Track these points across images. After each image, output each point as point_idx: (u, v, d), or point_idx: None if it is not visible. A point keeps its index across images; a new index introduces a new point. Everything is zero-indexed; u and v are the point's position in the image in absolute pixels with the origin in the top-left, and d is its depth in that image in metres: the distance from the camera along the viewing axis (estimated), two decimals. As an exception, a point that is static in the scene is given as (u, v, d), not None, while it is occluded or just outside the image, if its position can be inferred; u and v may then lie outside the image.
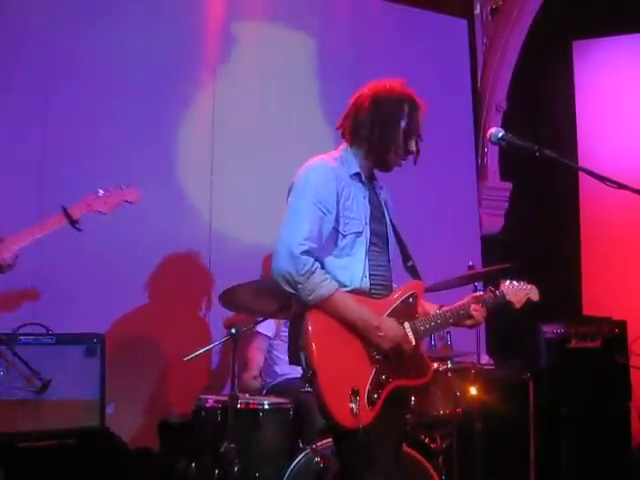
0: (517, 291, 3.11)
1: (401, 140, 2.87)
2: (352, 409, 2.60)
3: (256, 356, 4.41)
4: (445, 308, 2.94)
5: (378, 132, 2.85)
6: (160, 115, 4.84)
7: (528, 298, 3.13)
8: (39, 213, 4.37)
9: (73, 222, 3.47)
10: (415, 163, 2.96)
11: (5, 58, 4.42)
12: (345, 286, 2.74)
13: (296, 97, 5.34)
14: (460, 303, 2.97)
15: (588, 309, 6.16)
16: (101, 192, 3.57)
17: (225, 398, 3.72)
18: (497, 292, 3.08)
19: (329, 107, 5.36)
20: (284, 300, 3.26)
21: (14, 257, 3.34)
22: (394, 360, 2.73)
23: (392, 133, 2.86)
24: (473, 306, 2.95)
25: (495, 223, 6.32)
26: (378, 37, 5.66)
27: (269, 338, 4.41)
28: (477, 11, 6.40)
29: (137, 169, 4.72)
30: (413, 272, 2.98)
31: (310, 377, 2.63)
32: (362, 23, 5.65)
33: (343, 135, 2.96)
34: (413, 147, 2.90)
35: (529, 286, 3.15)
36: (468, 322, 2.97)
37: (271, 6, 5.34)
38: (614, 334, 5.09)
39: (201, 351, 3.88)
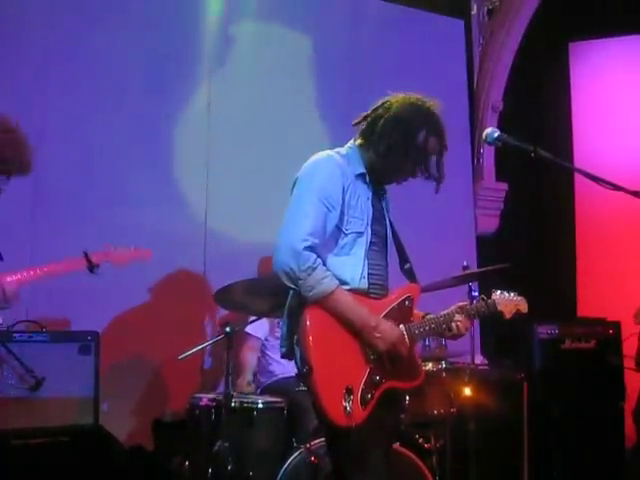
0: (507, 302, 3.11)
1: (409, 164, 2.86)
2: (345, 408, 2.60)
3: (249, 358, 4.41)
4: (430, 316, 2.92)
5: (391, 151, 2.81)
6: (157, 114, 4.84)
7: (517, 310, 3.14)
8: (32, 214, 4.38)
9: (92, 267, 3.61)
10: (437, 192, 2.89)
11: (3, 59, 4.41)
12: (343, 285, 2.73)
13: (292, 96, 5.33)
14: (444, 312, 2.94)
15: (583, 310, 6.17)
16: (118, 247, 3.76)
17: (219, 397, 3.72)
18: (488, 302, 3.08)
19: (325, 106, 5.38)
20: (278, 299, 3.25)
21: (13, 294, 3.31)
22: (388, 362, 2.73)
23: (403, 156, 2.82)
24: (457, 317, 2.93)
25: (490, 223, 6.33)
26: (375, 37, 5.67)
27: (260, 340, 4.41)
28: (474, 11, 6.41)
29: (133, 168, 4.73)
30: (410, 275, 2.97)
31: (305, 373, 2.63)
32: (359, 23, 5.65)
33: (359, 134, 2.93)
34: (416, 172, 2.88)
35: (519, 298, 3.16)
36: (448, 334, 2.95)
37: (268, 5, 5.34)
38: (608, 335, 5.10)
39: (195, 349, 3.88)
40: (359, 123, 2.94)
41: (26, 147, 3.30)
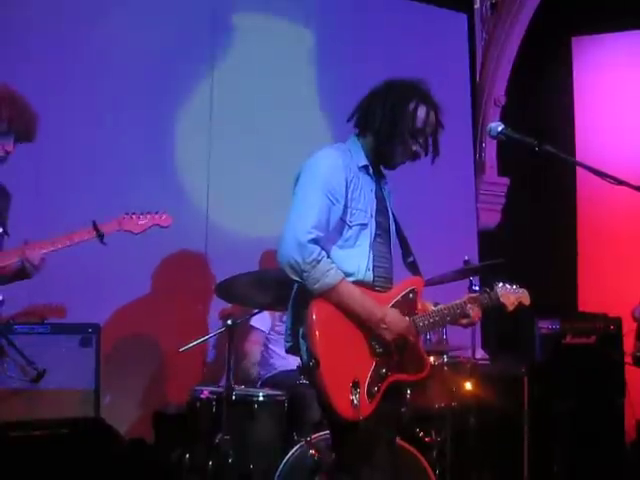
0: (510, 294, 3.10)
1: (407, 137, 2.84)
2: (352, 401, 2.59)
3: (253, 349, 4.42)
4: (441, 306, 2.93)
5: (385, 125, 2.81)
6: (158, 107, 4.83)
7: (520, 302, 3.13)
8: (35, 211, 4.36)
9: (101, 237, 3.50)
10: (432, 163, 2.89)
11: (3, 59, 4.40)
12: (348, 277, 2.72)
13: (294, 91, 5.32)
14: (457, 301, 2.96)
15: (584, 305, 6.17)
16: (134, 215, 3.63)
17: (220, 390, 3.72)
18: (491, 293, 3.07)
19: (327, 100, 5.37)
20: (280, 292, 3.26)
21: (40, 260, 3.33)
22: (395, 353, 2.73)
23: (398, 129, 2.82)
24: (469, 305, 2.95)
25: (492, 218, 6.32)
26: (377, 31, 5.65)
27: (264, 332, 4.42)
28: (477, 6, 6.40)
29: (134, 162, 4.72)
30: (413, 268, 2.97)
31: (312, 366, 2.61)
32: (361, 17, 5.64)
33: (354, 125, 2.94)
34: (417, 147, 2.87)
35: (521, 290, 3.15)
36: (464, 321, 2.96)
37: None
38: (609, 331, 5.11)
39: (196, 342, 3.88)
40: (352, 117, 2.94)
41: (27, 108, 3.34)
